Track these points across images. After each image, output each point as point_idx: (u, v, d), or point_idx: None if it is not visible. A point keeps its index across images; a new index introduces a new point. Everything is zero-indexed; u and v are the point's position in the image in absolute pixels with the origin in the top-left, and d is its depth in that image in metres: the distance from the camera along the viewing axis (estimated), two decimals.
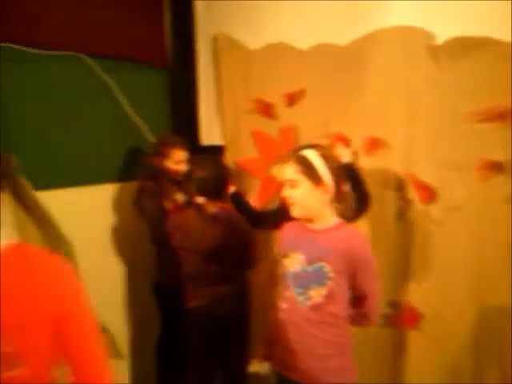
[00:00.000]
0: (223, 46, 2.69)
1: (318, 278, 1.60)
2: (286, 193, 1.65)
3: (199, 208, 2.06)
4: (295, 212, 1.66)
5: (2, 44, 1.96)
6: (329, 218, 1.65)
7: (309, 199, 1.62)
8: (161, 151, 2.43)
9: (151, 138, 2.66)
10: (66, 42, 2.24)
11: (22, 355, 0.99)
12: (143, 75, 2.69)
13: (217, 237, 2.05)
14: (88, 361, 1.09)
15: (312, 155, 1.60)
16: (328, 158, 1.62)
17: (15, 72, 2.06)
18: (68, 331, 1.06)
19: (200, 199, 2.06)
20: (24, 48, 2.05)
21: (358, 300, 1.66)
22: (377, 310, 1.71)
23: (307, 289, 1.61)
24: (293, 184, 1.62)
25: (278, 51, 2.49)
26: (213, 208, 2.09)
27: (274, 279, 2.48)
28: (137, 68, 2.62)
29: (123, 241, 2.60)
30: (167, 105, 2.87)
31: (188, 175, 2.13)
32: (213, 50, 2.75)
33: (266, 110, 2.57)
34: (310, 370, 1.64)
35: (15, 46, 2.02)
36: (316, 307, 1.61)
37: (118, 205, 2.58)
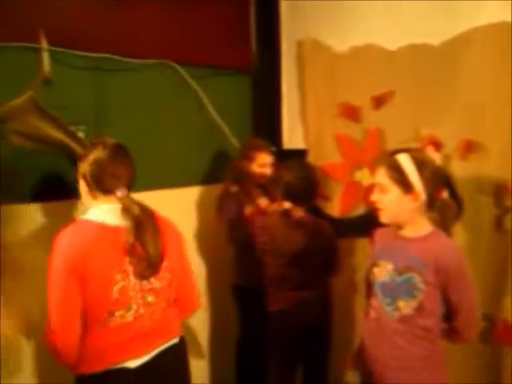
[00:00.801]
0: (309, 49, 2.67)
1: (408, 289, 1.53)
2: (375, 197, 1.60)
3: (285, 212, 2.06)
4: (383, 218, 1.60)
5: (102, 55, 2.07)
6: (421, 225, 1.57)
7: (397, 206, 1.55)
8: (246, 154, 2.46)
9: (235, 141, 2.71)
10: (155, 50, 2.33)
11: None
12: (227, 79, 2.73)
13: (301, 241, 2.05)
14: (190, 282, 1.68)
15: (405, 161, 1.53)
16: (423, 164, 1.54)
17: (111, 80, 2.17)
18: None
19: (286, 204, 2.06)
20: (119, 57, 2.16)
21: (451, 314, 1.56)
22: (472, 326, 1.60)
23: (396, 299, 1.55)
24: (382, 189, 1.57)
25: (366, 53, 2.45)
26: (299, 212, 2.09)
27: (355, 287, 2.43)
28: (222, 73, 2.67)
29: (206, 242, 2.66)
30: (250, 108, 2.90)
31: (275, 179, 2.14)
32: (298, 54, 2.75)
33: (352, 113, 2.53)
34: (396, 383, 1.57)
35: (112, 56, 2.13)
36: (405, 319, 1.54)
37: (202, 207, 2.64)
